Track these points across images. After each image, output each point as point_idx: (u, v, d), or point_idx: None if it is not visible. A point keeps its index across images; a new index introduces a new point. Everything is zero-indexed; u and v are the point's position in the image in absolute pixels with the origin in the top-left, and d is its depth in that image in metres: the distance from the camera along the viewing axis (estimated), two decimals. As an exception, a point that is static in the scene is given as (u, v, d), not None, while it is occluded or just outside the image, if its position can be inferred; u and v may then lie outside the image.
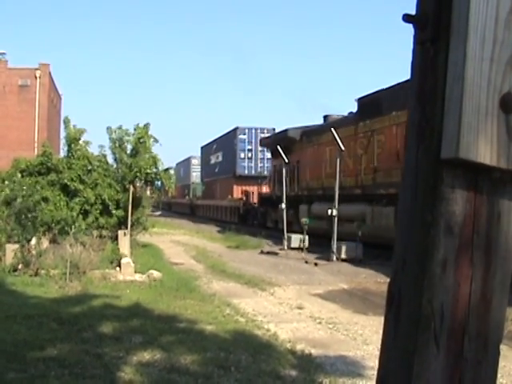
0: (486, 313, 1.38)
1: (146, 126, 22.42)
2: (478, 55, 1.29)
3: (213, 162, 55.07)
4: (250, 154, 45.10)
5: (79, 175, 20.56)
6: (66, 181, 20.21)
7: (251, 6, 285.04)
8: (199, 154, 65.95)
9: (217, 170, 52.66)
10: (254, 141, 44.63)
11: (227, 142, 48.23)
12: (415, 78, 1.43)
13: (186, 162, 70.96)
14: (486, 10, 1.30)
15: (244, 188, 42.45)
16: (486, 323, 1.39)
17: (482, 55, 1.29)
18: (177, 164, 74.08)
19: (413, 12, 1.40)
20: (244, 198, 41.08)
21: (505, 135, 1.33)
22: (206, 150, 59.92)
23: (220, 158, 52.32)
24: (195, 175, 65.61)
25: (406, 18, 1.38)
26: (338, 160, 21.42)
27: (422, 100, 1.39)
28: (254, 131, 44.99)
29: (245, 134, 45.07)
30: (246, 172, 44.39)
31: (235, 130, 45.70)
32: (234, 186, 45.23)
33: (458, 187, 1.35)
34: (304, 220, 23.56)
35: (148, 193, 24.78)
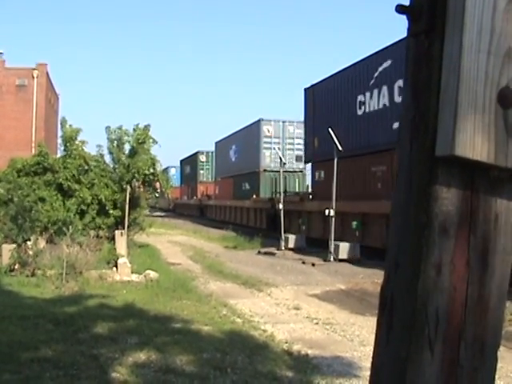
0: (483, 317, 1.33)
1: (147, 127, 22.40)
2: (474, 47, 1.23)
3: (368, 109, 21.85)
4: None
5: (74, 175, 20.51)
6: (60, 180, 20.16)
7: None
8: (274, 118, 35.70)
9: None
10: None
11: None
12: (409, 72, 1.37)
13: (246, 134, 38.80)
14: (483, 0, 1.24)
15: None
16: (483, 328, 1.33)
17: (478, 47, 1.24)
18: (216, 143, 49.38)
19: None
20: None
21: (503, 131, 1.27)
22: (341, 82, 24.43)
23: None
24: (270, 155, 34.81)
25: (399, 8, 1.32)
26: None
27: (416, 94, 1.34)
28: None
29: None
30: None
31: None
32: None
33: (453, 186, 1.30)
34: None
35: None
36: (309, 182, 32.10)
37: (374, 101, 21.37)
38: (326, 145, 22.60)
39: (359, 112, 22.29)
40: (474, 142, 1.25)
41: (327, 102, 25.19)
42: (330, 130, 21.03)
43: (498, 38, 1.25)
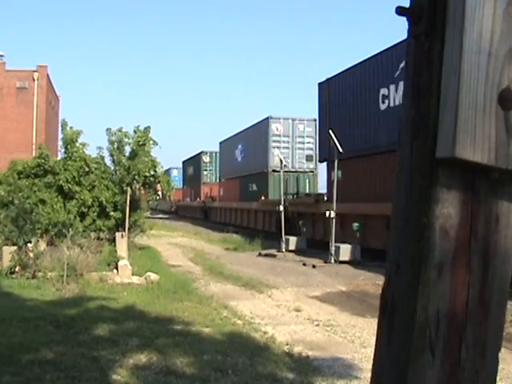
0: (483, 319, 1.32)
1: (147, 129, 22.37)
2: (474, 48, 1.23)
3: None
4: None
5: (74, 177, 20.52)
6: (61, 182, 20.17)
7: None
8: (284, 116, 33.33)
9: None
10: None
11: None
12: (410, 73, 1.37)
13: (253, 133, 36.55)
14: (483, 2, 1.24)
15: None
16: (483, 330, 1.33)
17: (479, 48, 1.23)
18: (221, 143, 46.41)
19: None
20: None
21: (503, 133, 1.27)
22: None
23: None
24: (279, 155, 27.45)
25: (400, 10, 1.32)
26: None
27: (417, 96, 1.34)
28: None
29: None
30: None
31: None
32: None
33: (454, 188, 1.29)
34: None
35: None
36: (320, 182, 30.94)
37: (399, 94, 19.10)
38: (344, 142, 20.72)
39: (382, 107, 20.54)
40: (474, 143, 1.24)
41: (344, 96, 23.59)
42: (330, 131, 21.01)
43: (499, 39, 1.25)
